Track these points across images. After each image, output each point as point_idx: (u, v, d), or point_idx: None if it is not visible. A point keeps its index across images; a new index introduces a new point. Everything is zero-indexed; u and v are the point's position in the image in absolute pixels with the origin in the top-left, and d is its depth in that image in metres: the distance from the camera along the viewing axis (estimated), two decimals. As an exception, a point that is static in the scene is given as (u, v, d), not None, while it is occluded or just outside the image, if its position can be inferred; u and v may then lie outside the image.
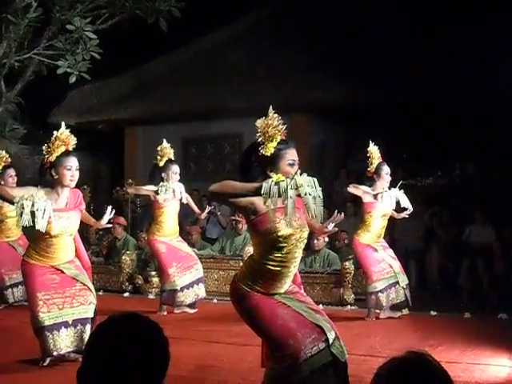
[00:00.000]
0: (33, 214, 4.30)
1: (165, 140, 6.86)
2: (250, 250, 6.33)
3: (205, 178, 10.79)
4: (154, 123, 12.20)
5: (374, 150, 6.30)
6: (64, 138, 4.55)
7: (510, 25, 8.50)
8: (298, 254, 3.42)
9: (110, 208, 5.13)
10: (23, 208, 4.30)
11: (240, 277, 3.42)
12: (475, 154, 9.75)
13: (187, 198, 6.83)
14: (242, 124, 10.39)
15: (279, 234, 3.26)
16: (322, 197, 3.14)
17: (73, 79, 9.96)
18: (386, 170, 6.20)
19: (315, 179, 3.16)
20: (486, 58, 9.11)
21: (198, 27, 12.69)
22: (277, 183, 3.08)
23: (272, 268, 3.31)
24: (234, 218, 8.38)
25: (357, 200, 6.50)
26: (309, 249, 6.99)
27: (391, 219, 6.50)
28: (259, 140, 3.40)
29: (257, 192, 3.11)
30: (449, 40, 9.80)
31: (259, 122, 3.43)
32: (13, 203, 4.47)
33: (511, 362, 4.52)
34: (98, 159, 13.40)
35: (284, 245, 3.29)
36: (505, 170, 9.48)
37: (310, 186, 3.12)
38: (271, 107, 3.48)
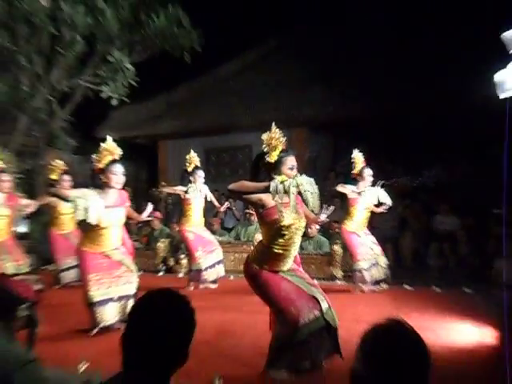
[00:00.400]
0: (86, 210, 4.33)
1: (192, 150, 6.87)
2: (258, 236, 6.35)
3: (222, 180, 10.86)
4: (182, 137, 12.21)
5: (357, 156, 6.30)
6: (110, 148, 4.56)
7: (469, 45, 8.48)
8: (298, 239, 3.46)
9: (150, 205, 5.20)
10: (78, 205, 4.33)
11: (252, 258, 3.46)
12: (439, 157, 9.75)
13: (210, 197, 6.88)
14: (251, 137, 10.39)
15: (282, 224, 3.31)
16: (318, 193, 3.16)
17: (114, 102, 10.00)
18: (368, 172, 6.21)
19: (312, 179, 3.20)
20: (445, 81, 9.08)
21: (215, 58, 12.70)
22: (282, 182, 3.15)
23: (277, 251, 3.35)
24: (247, 211, 8.45)
25: (343, 196, 6.49)
26: (304, 235, 7.01)
27: (372, 212, 6.48)
28: (265, 150, 3.43)
29: (265, 190, 3.18)
30: (410, 66, 9.80)
31: (264, 136, 3.49)
32: (68, 201, 4.50)
33: (473, 326, 4.50)
34: (137, 167, 13.44)
35: (286, 232, 3.33)
36: (464, 170, 9.46)
37: (308, 185, 3.16)
38: (274, 123, 3.56)
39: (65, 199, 4.67)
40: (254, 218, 8.10)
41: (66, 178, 6.77)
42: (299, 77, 11.37)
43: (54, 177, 6.87)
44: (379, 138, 9.86)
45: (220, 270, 6.72)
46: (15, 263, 5.89)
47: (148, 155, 13.62)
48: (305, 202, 3.30)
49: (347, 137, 10.70)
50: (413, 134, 9.49)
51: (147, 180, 14.03)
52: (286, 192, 3.15)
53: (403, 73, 9.76)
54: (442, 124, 9.25)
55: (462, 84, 8.58)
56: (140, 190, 12.57)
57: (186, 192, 6.58)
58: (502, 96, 4.30)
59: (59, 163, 7.06)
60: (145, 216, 5.22)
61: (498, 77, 4.35)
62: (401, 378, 1.25)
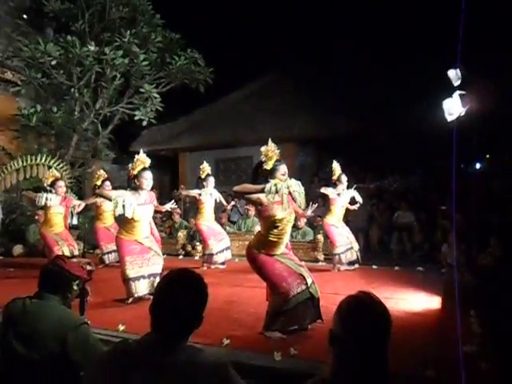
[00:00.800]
0: (123, 206, 4.34)
1: (205, 161, 6.87)
2: (258, 228, 6.36)
3: (229, 184, 10.65)
4: (197, 150, 12.21)
5: (336, 166, 6.31)
6: (142, 159, 4.58)
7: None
8: (289, 230, 3.47)
9: (172, 201, 5.42)
10: (118, 203, 4.34)
11: (252, 244, 3.47)
12: (398, 166, 9.75)
13: (219, 198, 6.84)
14: (252, 150, 10.31)
15: (276, 217, 3.30)
16: (304, 192, 3.21)
17: (144, 123, 10.04)
18: (344, 178, 6.22)
19: (299, 182, 3.24)
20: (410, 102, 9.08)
21: (224, 88, 12.71)
22: (275, 185, 3.16)
23: (272, 239, 3.35)
24: (246, 207, 8.47)
25: (325, 197, 6.48)
26: (294, 226, 7.02)
27: (347, 209, 6.48)
28: (263, 159, 3.44)
29: (262, 190, 3.17)
30: (375, 95, 9.81)
31: (263, 148, 3.51)
32: (110, 200, 4.53)
33: (425, 297, 4.51)
34: (161, 174, 13.42)
35: (279, 224, 3.33)
36: (418, 176, 9.49)
37: (296, 186, 3.22)
38: (270, 139, 3.57)
39: (108, 198, 4.68)
40: (252, 213, 8.16)
41: (107, 183, 6.78)
42: (291, 103, 11.37)
43: (98, 183, 6.87)
44: (353, 151, 9.87)
45: (227, 255, 6.69)
46: (69, 248, 5.95)
47: (170, 164, 13.59)
48: (294, 199, 3.35)
49: (328, 150, 10.72)
50: (378, 147, 9.50)
51: (170, 184, 14.01)
52: (278, 192, 3.18)
53: (369, 100, 9.79)
54: (400, 140, 9.25)
55: (415, 109, 8.59)
56: (164, 192, 12.54)
57: (199, 195, 6.56)
58: (449, 119, 4.32)
59: (102, 173, 7.06)
60: (167, 207, 5.43)
61: (446, 104, 4.36)
62: (369, 337, 1.26)
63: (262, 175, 3.46)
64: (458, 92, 4.28)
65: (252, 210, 8.24)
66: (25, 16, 10.71)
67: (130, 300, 4.42)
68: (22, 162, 7.74)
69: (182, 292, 1.40)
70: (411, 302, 4.34)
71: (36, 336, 1.76)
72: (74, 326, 1.82)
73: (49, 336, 1.75)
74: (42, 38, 9.01)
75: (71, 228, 6.88)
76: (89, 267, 2.13)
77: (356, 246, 6.30)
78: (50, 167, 8.60)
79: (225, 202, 7.15)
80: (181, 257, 7.94)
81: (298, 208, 3.56)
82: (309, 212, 3.82)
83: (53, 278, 1.95)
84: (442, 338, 3.14)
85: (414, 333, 3.29)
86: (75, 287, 2.04)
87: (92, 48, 9.10)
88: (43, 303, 1.88)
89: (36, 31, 10.56)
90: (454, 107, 4.29)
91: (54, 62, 8.81)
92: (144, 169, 4.53)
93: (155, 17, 10.23)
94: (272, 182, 3.25)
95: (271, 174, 3.41)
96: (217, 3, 14.51)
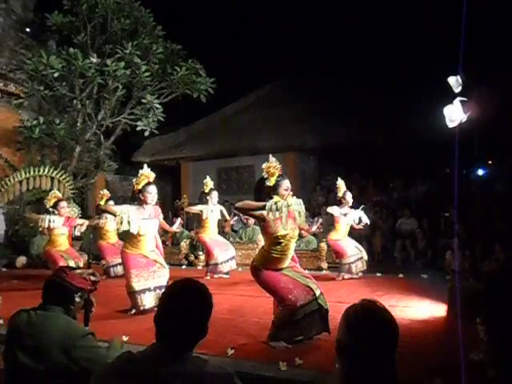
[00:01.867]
0: (128, 222, 4.33)
1: (208, 176, 6.85)
2: (259, 237, 6.36)
3: (231, 193, 10.92)
4: (199, 160, 12.26)
5: (341, 183, 6.19)
6: (146, 173, 4.55)
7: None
8: (292, 245, 3.46)
9: (179, 219, 5.48)
10: (122, 219, 4.33)
11: (256, 260, 3.47)
12: (401, 173, 9.75)
13: (223, 211, 6.82)
14: (253, 159, 10.48)
15: (278, 234, 3.30)
16: (304, 211, 3.24)
17: (146, 133, 10.10)
18: (349, 195, 6.11)
19: (300, 200, 3.30)
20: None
21: (225, 99, 12.79)
22: (275, 203, 3.18)
23: (275, 255, 3.35)
24: (245, 217, 8.45)
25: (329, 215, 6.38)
26: (298, 235, 6.97)
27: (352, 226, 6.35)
28: (265, 176, 3.44)
29: (263, 208, 3.17)
30: (375, 106, 9.84)
31: (264, 165, 3.52)
32: (115, 215, 4.51)
33: (431, 305, 4.46)
34: (163, 183, 13.44)
35: (282, 241, 3.33)
36: (422, 183, 9.47)
37: (297, 205, 3.24)
38: (271, 155, 3.56)
39: (113, 214, 4.67)
40: (251, 222, 8.17)
41: (111, 202, 6.76)
42: (291, 113, 11.42)
43: (101, 202, 6.86)
44: (354, 159, 9.90)
45: (232, 264, 6.64)
46: (75, 261, 6.00)
47: (173, 174, 13.62)
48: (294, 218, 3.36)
49: (329, 158, 10.78)
50: (380, 155, 9.51)
51: (172, 194, 14.03)
52: (278, 210, 3.19)
53: (369, 108, 9.82)
54: (401, 148, 9.26)
55: (415, 116, 8.61)
56: (166, 202, 12.56)
57: (201, 211, 6.54)
58: (450, 125, 4.33)
59: (106, 192, 7.08)
60: (175, 228, 5.46)
61: (447, 110, 4.37)
62: (377, 345, 1.25)
63: (264, 192, 3.42)
64: (458, 98, 4.30)
65: (251, 219, 8.25)
66: (28, 29, 10.84)
67: (133, 311, 4.40)
68: (25, 173, 7.76)
69: (186, 302, 1.40)
70: (416, 309, 4.29)
71: (41, 347, 1.75)
72: (80, 336, 1.81)
73: (54, 347, 1.75)
74: (44, 51, 9.10)
75: (74, 239, 6.88)
76: (93, 278, 2.12)
77: (365, 256, 6.22)
78: (52, 178, 8.64)
79: (227, 217, 7.11)
80: (184, 266, 7.92)
81: (304, 224, 3.56)
82: (314, 228, 3.85)
83: (55, 290, 1.95)
84: (448, 346, 3.10)
85: (420, 340, 3.26)
86: (78, 299, 2.03)
87: (94, 60, 9.18)
88: (48, 315, 1.87)
89: (39, 44, 10.69)
90: (455, 114, 4.30)
91: (56, 74, 8.89)
92: (148, 183, 4.49)
93: (156, 28, 10.34)
94: (273, 199, 3.26)
95: (274, 189, 3.37)
96: (217, 14, 14.66)
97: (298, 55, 14.63)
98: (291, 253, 3.48)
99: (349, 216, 6.11)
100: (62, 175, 7.66)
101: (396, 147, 9.30)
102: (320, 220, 3.82)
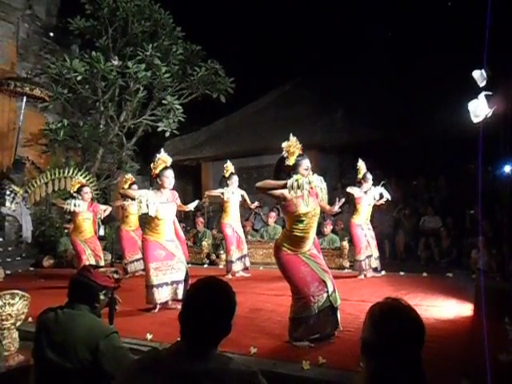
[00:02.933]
0: (147, 205, 4.40)
1: (228, 160, 6.86)
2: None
3: (252, 192, 10.75)
4: (219, 159, 12.21)
5: (361, 164, 6.20)
6: (163, 158, 4.64)
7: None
8: (314, 224, 3.42)
9: (196, 201, 5.45)
10: (141, 202, 4.41)
11: (279, 241, 3.44)
12: (424, 171, 9.57)
13: (244, 195, 6.77)
14: (274, 158, 10.31)
15: (300, 212, 3.27)
16: (326, 188, 3.22)
17: (167, 134, 10.20)
18: (369, 176, 6.10)
19: (322, 178, 3.25)
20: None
21: (244, 98, 12.81)
22: (296, 180, 3.15)
23: (298, 234, 3.32)
24: (266, 214, 8.48)
25: (350, 199, 6.33)
26: (320, 233, 6.89)
27: (374, 208, 6.30)
28: (285, 155, 3.42)
29: (284, 186, 3.15)
30: (396, 101, 9.68)
31: (284, 144, 3.50)
32: (134, 199, 4.61)
33: (456, 304, 4.37)
34: (184, 183, 13.56)
35: (304, 219, 3.30)
36: (446, 180, 9.28)
37: (318, 181, 3.22)
38: (291, 134, 3.53)
39: (131, 197, 4.77)
40: (272, 221, 8.23)
41: (134, 187, 6.83)
42: (311, 111, 11.38)
43: (125, 186, 7.00)
44: (376, 157, 9.76)
45: (246, 262, 6.62)
46: (95, 259, 6.07)
47: (193, 174, 13.73)
48: (316, 195, 3.34)
49: (350, 156, 10.63)
50: (402, 152, 9.35)
51: (193, 193, 14.13)
52: (299, 187, 3.14)
53: (391, 104, 9.69)
54: (424, 144, 9.09)
55: (438, 112, 8.45)
56: (187, 202, 12.65)
57: (222, 194, 6.51)
58: (475, 120, 4.22)
59: (130, 177, 7.27)
60: (191, 206, 5.32)
61: (472, 105, 4.26)
62: (402, 342, 1.24)
63: (284, 171, 3.39)
64: (483, 93, 4.19)
65: (272, 218, 8.24)
66: (51, 34, 11.09)
67: (157, 309, 4.46)
68: (51, 175, 7.96)
69: (211, 300, 1.40)
70: (442, 308, 4.21)
71: (68, 345, 1.79)
72: (104, 335, 1.85)
73: (80, 345, 1.78)
74: (68, 55, 9.30)
75: (98, 239, 7.01)
76: (116, 275, 2.16)
77: (376, 254, 6.16)
78: (77, 180, 8.84)
79: (248, 201, 7.08)
80: (205, 265, 7.96)
81: (326, 204, 3.52)
82: (336, 208, 3.76)
83: (80, 289, 1.99)
84: (475, 346, 3.03)
85: (446, 340, 3.19)
86: (102, 297, 2.07)
87: (116, 62, 9.34)
88: (74, 313, 1.91)
89: (62, 48, 10.93)
90: (480, 109, 4.19)
91: (79, 78, 9.06)
92: (165, 168, 4.56)
93: (176, 30, 10.43)
94: (294, 177, 3.23)
95: (294, 169, 3.34)
96: (237, 14, 14.69)
97: (318, 53, 14.52)
98: (314, 232, 3.44)
99: (369, 194, 6.07)
100: (85, 176, 7.82)
101: (419, 144, 9.14)
102: (342, 200, 3.76)
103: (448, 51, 10.04)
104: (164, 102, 9.94)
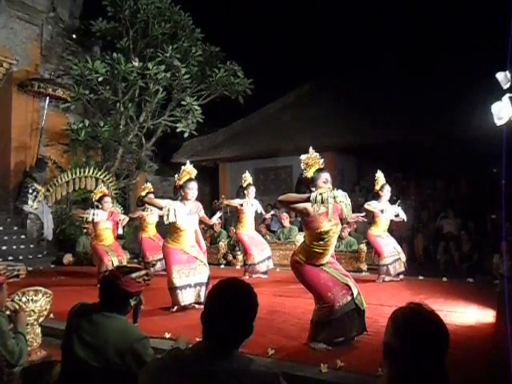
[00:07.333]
0: (174, 215, 4.43)
1: (247, 171, 6.89)
2: (300, 238, 6.29)
3: (269, 194, 10.93)
4: (237, 160, 12.33)
5: (380, 175, 6.06)
6: (188, 169, 4.65)
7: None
8: (334, 241, 3.37)
9: (218, 214, 5.42)
10: (169, 210, 4.43)
11: (297, 254, 3.39)
12: (445, 174, 9.43)
13: (260, 209, 6.80)
14: (291, 160, 10.40)
15: (322, 229, 3.22)
16: (350, 204, 3.12)
17: (186, 135, 10.29)
18: (387, 188, 5.96)
19: (346, 193, 3.15)
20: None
21: (262, 99, 12.84)
22: (320, 194, 3.04)
23: (317, 251, 3.27)
24: (281, 215, 8.43)
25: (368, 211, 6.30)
26: (338, 237, 6.86)
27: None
28: (303, 167, 3.39)
29: (308, 199, 3.07)
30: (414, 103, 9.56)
31: (303, 157, 3.43)
32: (160, 208, 4.62)
33: (478, 310, 4.28)
34: (202, 183, 13.54)
35: (325, 236, 3.24)
36: (467, 183, 9.13)
37: (343, 197, 3.10)
38: (311, 147, 3.47)
39: (157, 207, 4.79)
40: (287, 222, 8.20)
41: (151, 196, 6.94)
42: (329, 112, 11.34)
43: (143, 193, 7.08)
44: (394, 159, 9.66)
45: (269, 264, 6.62)
46: (118, 258, 6.17)
47: (211, 175, 13.82)
48: (341, 211, 3.23)
49: (368, 158, 10.56)
50: (422, 154, 9.24)
51: (210, 193, 14.22)
52: (324, 202, 3.04)
53: (411, 106, 9.58)
54: (445, 146, 8.97)
55: (460, 114, 8.31)
56: (204, 202, 12.71)
57: (241, 205, 6.54)
58: (498, 123, 4.13)
59: (149, 185, 7.29)
60: (214, 220, 5.43)
61: (495, 107, 4.17)
62: (425, 346, 1.23)
63: (302, 184, 3.36)
64: (508, 95, 4.10)
65: (286, 219, 8.24)
66: (74, 36, 11.31)
67: (175, 308, 4.48)
68: (72, 174, 8.12)
69: (233, 301, 1.41)
70: (463, 314, 4.13)
71: (98, 346, 1.81)
72: (136, 339, 1.87)
73: (110, 348, 1.80)
74: (89, 57, 9.49)
75: (117, 238, 7.11)
76: (146, 278, 2.16)
77: (403, 257, 6.05)
78: (97, 179, 9.00)
79: (264, 213, 7.10)
80: (222, 266, 7.99)
81: (350, 216, 3.46)
82: (351, 220, 3.74)
83: (112, 296, 1.99)
84: (497, 353, 2.97)
85: (467, 347, 3.13)
86: (132, 302, 2.08)
87: (136, 64, 9.47)
88: (108, 315, 1.92)
89: (84, 50, 11.15)
90: (503, 111, 4.10)
91: (100, 79, 9.23)
92: (190, 179, 4.57)
93: (195, 31, 10.54)
94: (318, 190, 3.15)
95: (312, 181, 3.29)
96: (256, 16, 14.73)
97: (337, 54, 14.47)
98: (333, 248, 3.40)
99: (386, 212, 6.00)
100: (105, 176, 7.95)
101: (440, 146, 9.01)
102: (360, 215, 3.73)
103: (470, 51, 9.88)
104: (183, 102, 10.04)
